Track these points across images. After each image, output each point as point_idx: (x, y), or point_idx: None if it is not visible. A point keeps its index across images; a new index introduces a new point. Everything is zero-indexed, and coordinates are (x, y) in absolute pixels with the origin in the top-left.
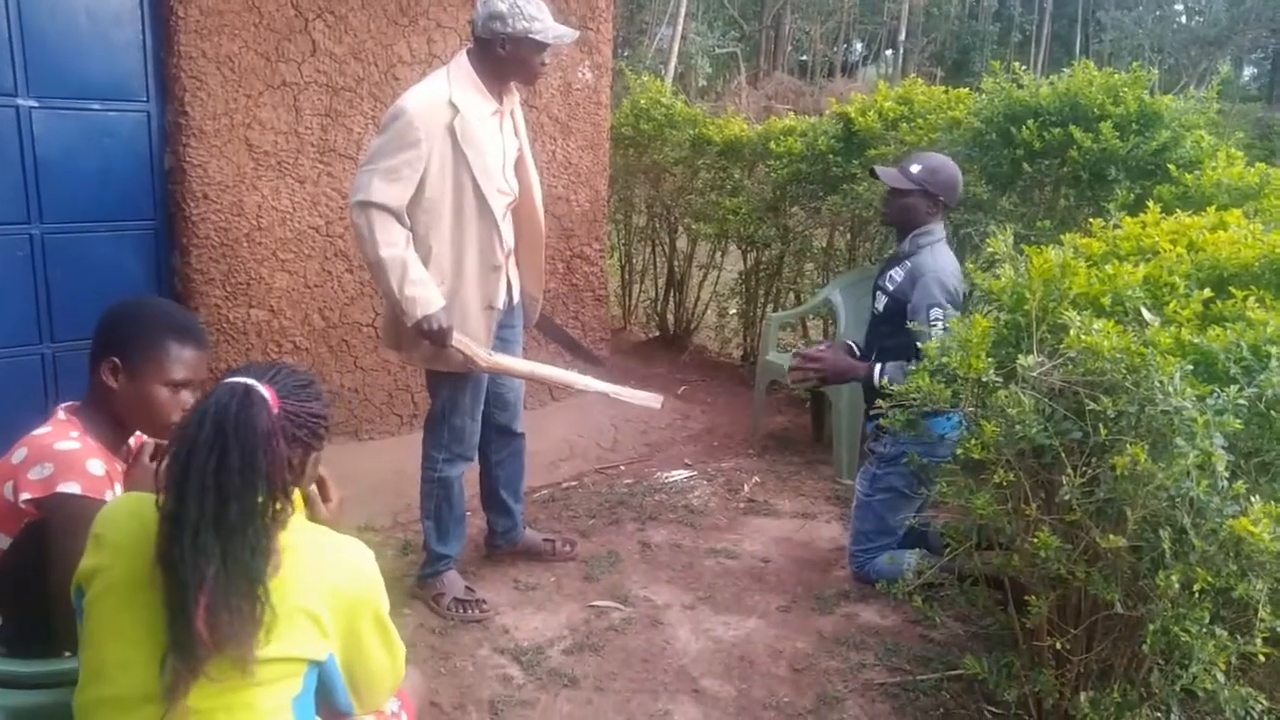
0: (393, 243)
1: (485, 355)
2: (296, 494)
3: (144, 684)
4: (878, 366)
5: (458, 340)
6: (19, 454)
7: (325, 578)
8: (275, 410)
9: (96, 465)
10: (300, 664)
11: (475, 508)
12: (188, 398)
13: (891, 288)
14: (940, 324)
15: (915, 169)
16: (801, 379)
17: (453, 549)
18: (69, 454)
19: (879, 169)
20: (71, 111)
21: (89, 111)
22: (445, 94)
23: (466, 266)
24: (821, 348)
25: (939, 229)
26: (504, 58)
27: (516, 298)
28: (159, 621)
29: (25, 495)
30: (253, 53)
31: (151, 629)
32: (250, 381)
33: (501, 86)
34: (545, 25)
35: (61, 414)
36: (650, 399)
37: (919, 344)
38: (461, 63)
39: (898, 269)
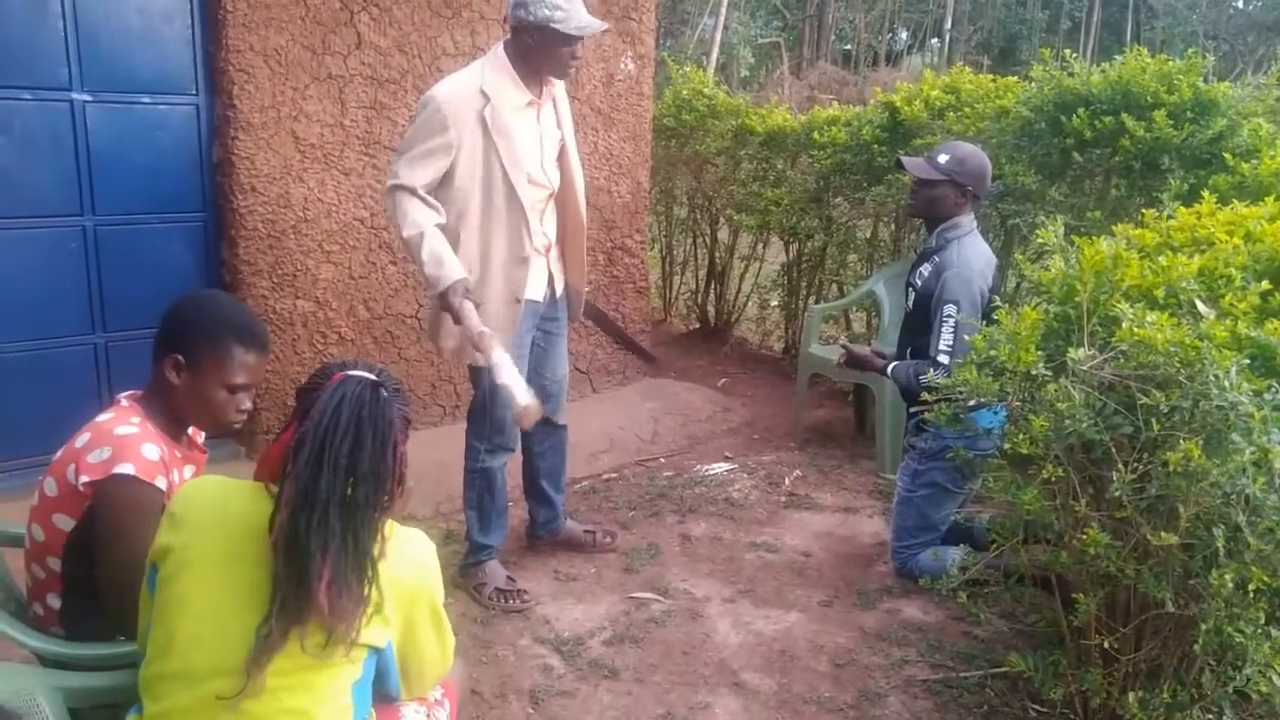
0: (415, 223)
1: (477, 330)
2: None
3: (213, 659)
4: (890, 365)
5: (468, 315)
6: (82, 438)
7: (389, 567)
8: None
9: (151, 450)
10: (363, 650)
11: (517, 498)
12: (244, 400)
13: (919, 284)
14: (951, 321)
15: (943, 159)
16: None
17: (495, 539)
18: (126, 438)
19: (905, 160)
20: (123, 105)
21: (140, 105)
22: (477, 83)
23: (493, 257)
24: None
25: (967, 221)
26: (532, 48)
27: (560, 291)
28: (234, 598)
29: (84, 478)
30: (299, 46)
31: (225, 605)
32: (373, 377)
33: (538, 77)
34: (568, 15)
35: (125, 401)
36: (522, 398)
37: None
38: (498, 52)
39: (926, 265)
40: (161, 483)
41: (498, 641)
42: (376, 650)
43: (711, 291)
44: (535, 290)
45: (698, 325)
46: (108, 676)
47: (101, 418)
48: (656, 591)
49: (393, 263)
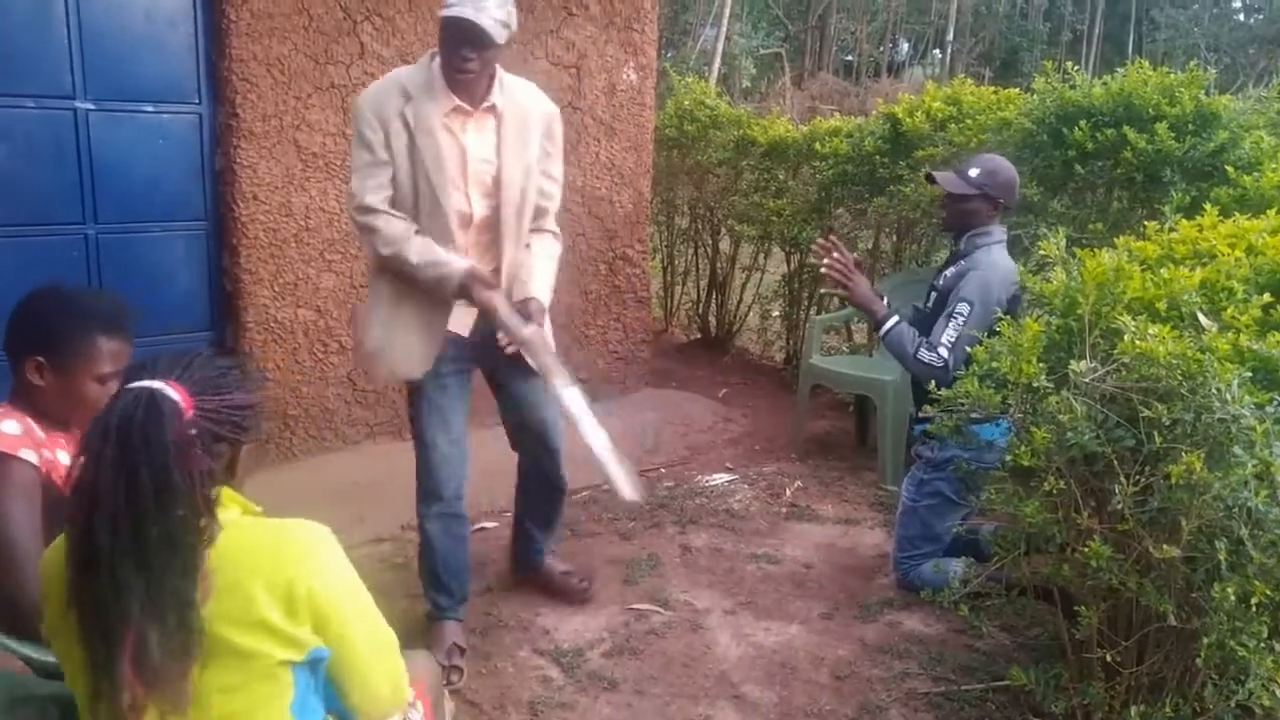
0: (390, 240)
1: (523, 333)
2: (227, 493)
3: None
4: (892, 319)
5: (503, 310)
6: None
7: (280, 572)
8: (189, 414)
9: (11, 425)
10: (277, 669)
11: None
12: (114, 385)
13: (941, 284)
14: (960, 319)
15: (974, 173)
16: (830, 269)
17: (445, 600)
18: None
19: (937, 174)
20: (126, 114)
21: (143, 114)
22: (400, 80)
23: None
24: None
25: (998, 230)
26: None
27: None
28: None
29: None
30: (302, 55)
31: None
32: (155, 385)
33: (467, 84)
34: (456, 1)
35: None
36: (629, 485)
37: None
38: (431, 54)
39: (952, 268)
40: (29, 455)
41: (496, 653)
42: (296, 663)
43: (713, 302)
44: (458, 323)
45: (699, 335)
46: None
47: None
48: (656, 603)
49: None
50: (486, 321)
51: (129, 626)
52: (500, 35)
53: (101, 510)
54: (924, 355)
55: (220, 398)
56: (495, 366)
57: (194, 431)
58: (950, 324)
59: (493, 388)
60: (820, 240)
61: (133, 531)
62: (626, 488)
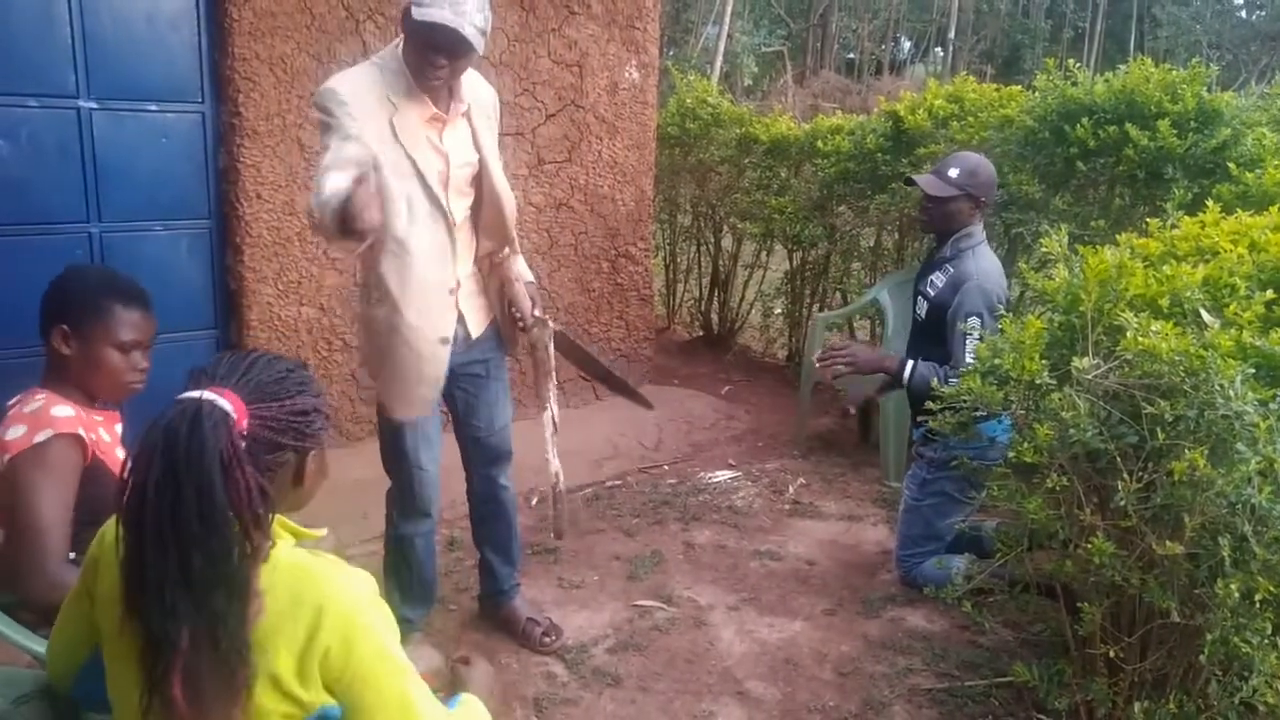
0: (317, 190)
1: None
2: (280, 521)
3: None
4: (909, 363)
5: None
6: None
7: (301, 625)
8: (243, 422)
9: (62, 409)
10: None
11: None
12: (140, 359)
13: (933, 294)
14: (975, 333)
15: (954, 173)
16: (829, 365)
17: (417, 613)
18: (37, 410)
19: (917, 178)
20: (129, 113)
21: (146, 113)
22: (380, 85)
23: (412, 286)
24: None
25: (979, 230)
26: (405, 47)
27: (480, 329)
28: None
29: (6, 455)
30: (305, 54)
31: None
32: (205, 395)
33: (433, 89)
34: (429, 2)
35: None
36: (563, 523)
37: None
38: (396, 53)
39: (939, 274)
40: (83, 433)
41: (501, 649)
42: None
43: (715, 299)
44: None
45: (701, 333)
46: None
47: (9, 403)
48: (660, 599)
49: None
50: (463, 328)
51: (178, 651)
52: (480, 44)
53: (149, 531)
54: (956, 383)
55: (280, 403)
56: (462, 373)
57: (245, 445)
58: (968, 342)
59: (452, 393)
60: (813, 362)
61: (179, 556)
62: (560, 525)
